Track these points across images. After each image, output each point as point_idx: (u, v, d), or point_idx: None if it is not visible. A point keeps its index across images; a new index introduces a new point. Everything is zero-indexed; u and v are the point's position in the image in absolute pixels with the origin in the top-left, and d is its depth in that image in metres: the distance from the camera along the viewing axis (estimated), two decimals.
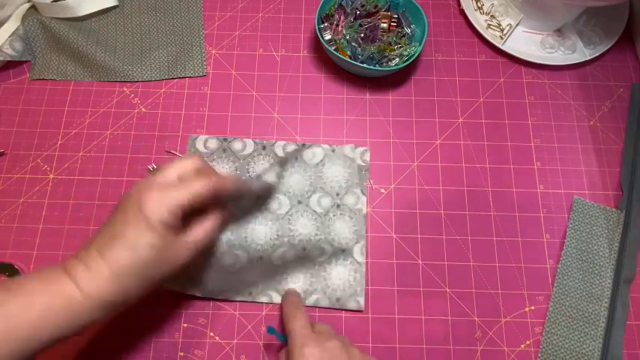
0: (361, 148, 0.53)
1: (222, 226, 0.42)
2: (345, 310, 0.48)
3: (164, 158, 0.53)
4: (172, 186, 0.36)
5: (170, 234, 0.35)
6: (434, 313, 0.48)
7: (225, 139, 0.53)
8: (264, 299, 0.48)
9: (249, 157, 0.52)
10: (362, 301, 0.47)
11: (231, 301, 0.48)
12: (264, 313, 0.48)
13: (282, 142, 0.53)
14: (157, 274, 0.36)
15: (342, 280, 0.48)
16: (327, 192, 0.51)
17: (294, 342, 0.38)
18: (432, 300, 0.48)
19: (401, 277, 0.49)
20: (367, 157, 0.53)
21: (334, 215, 0.50)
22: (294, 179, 0.51)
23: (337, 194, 0.51)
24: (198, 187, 0.36)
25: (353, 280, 0.48)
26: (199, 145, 0.53)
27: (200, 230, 0.38)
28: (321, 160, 0.52)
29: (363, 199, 0.51)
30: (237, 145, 0.53)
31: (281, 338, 0.42)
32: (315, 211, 0.50)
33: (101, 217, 0.50)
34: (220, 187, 0.38)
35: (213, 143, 0.53)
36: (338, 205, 0.50)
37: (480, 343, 0.47)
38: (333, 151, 0.52)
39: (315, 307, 0.48)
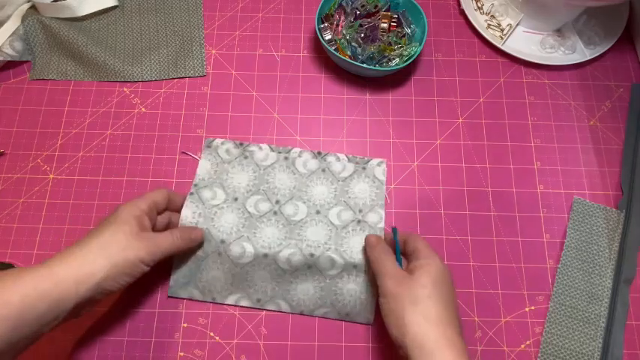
0: (377, 160, 0.53)
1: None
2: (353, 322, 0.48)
3: (180, 158, 0.53)
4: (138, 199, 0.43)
5: (137, 234, 0.41)
6: None
7: (241, 144, 0.53)
8: (271, 307, 0.48)
9: (270, 168, 0.52)
10: (372, 317, 0.47)
11: (240, 306, 0.48)
12: (264, 313, 0.48)
13: (299, 151, 0.53)
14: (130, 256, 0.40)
15: (354, 297, 0.47)
16: (350, 207, 0.51)
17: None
18: None
19: None
20: (384, 167, 0.52)
21: (353, 230, 0.49)
22: (319, 190, 0.51)
23: (360, 210, 0.50)
24: (153, 195, 0.44)
25: (365, 299, 0.47)
26: (221, 152, 0.53)
27: (162, 236, 0.43)
28: (351, 175, 0.52)
29: (382, 214, 0.50)
30: (258, 154, 0.53)
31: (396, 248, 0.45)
32: (331, 222, 0.50)
33: (101, 217, 0.50)
34: (172, 196, 0.47)
35: (231, 148, 0.53)
36: (359, 221, 0.50)
37: (480, 343, 0.47)
38: (364, 168, 0.52)
39: (322, 317, 0.48)
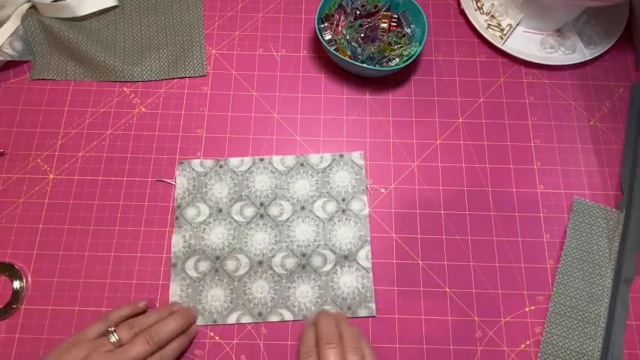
0: (356, 152, 0.53)
1: None
2: (358, 317, 0.48)
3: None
4: None
5: None
6: (434, 313, 0.48)
7: (217, 160, 0.52)
8: (274, 318, 0.47)
9: (248, 173, 0.52)
10: (373, 306, 0.47)
11: (243, 324, 0.47)
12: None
13: (279, 157, 0.53)
14: None
15: (351, 287, 0.48)
16: (332, 197, 0.51)
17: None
18: (432, 300, 0.48)
19: (401, 277, 0.49)
20: (361, 152, 0.53)
21: (339, 220, 0.50)
22: (301, 185, 0.51)
23: (343, 199, 0.51)
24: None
25: (362, 287, 0.48)
26: (195, 166, 0.52)
27: None
28: (329, 165, 0.52)
29: (365, 199, 0.51)
30: (233, 162, 0.52)
31: None
32: (318, 216, 0.50)
33: (101, 217, 0.50)
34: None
35: (205, 161, 0.52)
36: (343, 210, 0.51)
37: (480, 343, 0.47)
38: (342, 156, 0.53)
39: None
